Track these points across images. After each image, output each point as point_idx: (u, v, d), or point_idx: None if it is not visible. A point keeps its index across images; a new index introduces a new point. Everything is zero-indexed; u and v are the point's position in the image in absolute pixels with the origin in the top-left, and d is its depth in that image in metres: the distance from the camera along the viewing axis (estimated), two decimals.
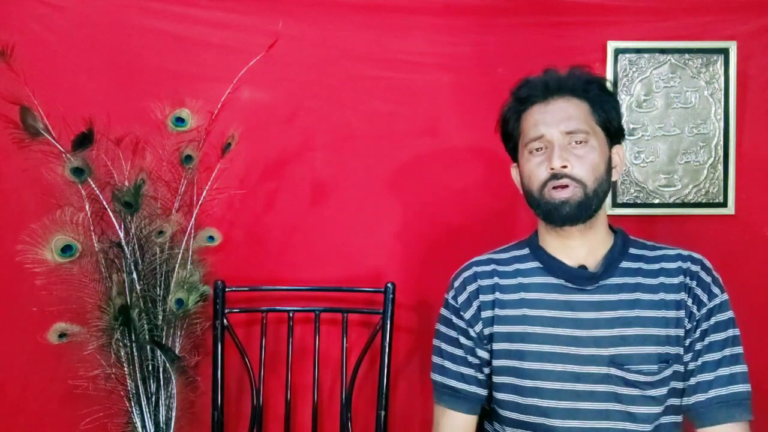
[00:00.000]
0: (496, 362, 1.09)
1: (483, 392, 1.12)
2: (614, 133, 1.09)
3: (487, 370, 1.12)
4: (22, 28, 1.51)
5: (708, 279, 1.06)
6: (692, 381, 1.03)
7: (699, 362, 1.03)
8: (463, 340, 1.12)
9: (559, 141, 1.04)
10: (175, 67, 1.55)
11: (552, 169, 1.03)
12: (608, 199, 1.55)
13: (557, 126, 1.05)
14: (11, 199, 1.53)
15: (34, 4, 1.53)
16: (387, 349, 1.47)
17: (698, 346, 1.03)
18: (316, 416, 1.50)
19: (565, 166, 1.03)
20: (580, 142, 1.04)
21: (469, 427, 1.13)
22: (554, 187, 1.04)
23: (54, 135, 1.31)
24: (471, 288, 1.13)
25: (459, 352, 1.13)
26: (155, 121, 1.43)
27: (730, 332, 1.04)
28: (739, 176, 1.56)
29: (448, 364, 1.14)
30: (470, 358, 1.12)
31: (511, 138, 1.14)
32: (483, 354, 1.11)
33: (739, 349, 1.05)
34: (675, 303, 1.04)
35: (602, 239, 1.09)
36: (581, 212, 1.04)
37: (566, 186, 1.03)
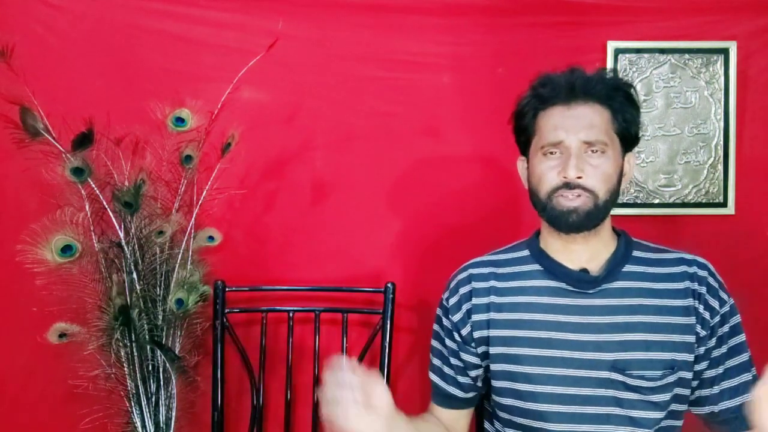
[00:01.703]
0: (494, 366, 1.08)
1: (461, 394, 1.13)
2: (630, 142, 1.07)
3: (472, 374, 1.12)
4: (22, 28, 1.51)
5: (716, 284, 1.04)
6: (716, 389, 1.02)
7: (721, 369, 1.02)
8: (448, 341, 1.13)
9: (576, 150, 1.01)
10: (175, 67, 1.55)
11: (566, 177, 1.01)
12: None
13: (577, 134, 1.01)
14: (11, 199, 1.53)
15: (34, 4, 1.53)
16: (387, 349, 1.47)
17: (716, 353, 1.02)
18: (316, 416, 1.50)
19: (580, 177, 1.00)
20: (596, 151, 1.02)
21: (453, 423, 1.16)
22: (564, 196, 1.01)
23: (54, 135, 1.31)
24: (463, 291, 1.13)
25: (444, 351, 1.15)
26: (155, 121, 1.43)
27: (743, 337, 1.04)
28: (739, 176, 1.56)
29: (435, 360, 1.17)
30: (453, 360, 1.12)
31: (524, 132, 1.10)
32: (468, 358, 1.11)
33: (749, 353, 1.05)
34: (682, 309, 1.02)
35: (606, 243, 1.07)
36: (588, 222, 1.02)
37: (578, 195, 1.01)
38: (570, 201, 1.01)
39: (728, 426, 1.04)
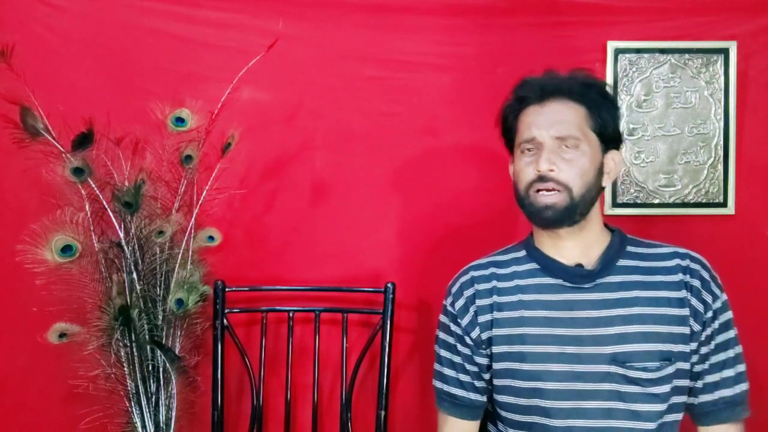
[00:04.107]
0: (496, 365, 1.09)
1: (482, 399, 1.13)
2: (609, 140, 1.08)
3: (486, 377, 1.11)
4: (22, 28, 1.51)
5: (709, 278, 1.06)
6: (699, 383, 1.04)
7: (706, 365, 1.04)
8: (460, 347, 1.12)
9: (549, 144, 1.04)
10: (175, 67, 1.55)
11: (539, 171, 1.03)
12: (608, 199, 1.56)
13: (548, 129, 1.04)
14: (11, 199, 1.53)
15: (34, 4, 1.53)
16: (387, 349, 1.47)
17: (705, 349, 1.04)
18: (316, 416, 1.50)
19: (552, 170, 1.03)
20: (570, 146, 1.04)
21: None
22: (539, 190, 1.04)
23: (54, 135, 1.31)
24: (468, 293, 1.13)
25: (457, 359, 1.13)
26: (155, 121, 1.43)
27: (732, 333, 1.05)
28: (739, 176, 1.56)
29: (446, 371, 1.14)
30: (468, 366, 1.12)
31: (508, 134, 1.14)
32: (481, 360, 1.11)
33: (739, 348, 1.06)
34: (677, 300, 1.03)
35: (596, 239, 1.09)
36: (565, 217, 1.04)
37: (551, 190, 1.03)
38: (545, 197, 1.03)
39: (705, 419, 1.06)
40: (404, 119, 1.58)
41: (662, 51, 1.55)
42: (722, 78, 1.55)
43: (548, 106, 1.06)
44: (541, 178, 1.03)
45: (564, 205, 1.03)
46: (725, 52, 1.54)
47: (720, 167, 1.56)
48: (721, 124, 1.55)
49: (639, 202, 1.57)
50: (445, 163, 1.59)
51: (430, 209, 1.59)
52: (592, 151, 1.05)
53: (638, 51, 1.55)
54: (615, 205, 1.57)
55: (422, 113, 1.58)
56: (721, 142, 1.55)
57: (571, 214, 1.04)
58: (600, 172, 1.07)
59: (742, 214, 1.56)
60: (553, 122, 1.04)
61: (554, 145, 1.04)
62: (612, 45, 1.55)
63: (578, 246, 1.08)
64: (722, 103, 1.55)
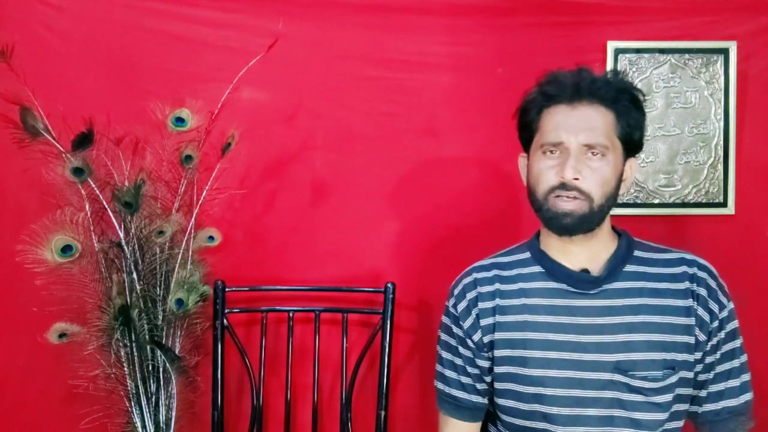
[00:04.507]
0: (497, 369, 1.08)
1: (483, 401, 1.12)
2: (632, 147, 1.06)
3: (488, 379, 1.11)
4: (22, 28, 1.51)
5: (716, 287, 1.04)
6: (703, 392, 1.03)
7: (711, 374, 1.03)
8: (462, 349, 1.11)
9: (576, 151, 1.00)
10: (175, 67, 1.55)
11: (562, 178, 1.00)
12: None
13: (577, 135, 1.00)
14: (11, 199, 1.53)
15: (34, 4, 1.53)
16: (387, 349, 1.47)
17: (710, 359, 1.02)
18: (316, 416, 1.50)
19: (576, 179, 1.00)
20: (596, 154, 1.01)
21: None
22: (559, 196, 1.01)
23: (54, 135, 1.31)
24: (470, 296, 1.11)
25: (458, 361, 1.12)
26: (155, 121, 1.43)
27: (738, 342, 1.04)
28: (739, 176, 1.56)
29: (448, 372, 1.13)
30: (469, 368, 1.11)
31: (527, 129, 1.08)
32: (483, 363, 1.10)
33: (744, 357, 1.05)
34: (684, 309, 1.02)
35: (605, 244, 1.07)
36: (582, 225, 1.01)
37: (573, 198, 1.00)
38: (565, 203, 1.01)
39: (708, 428, 1.05)
40: (404, 119, 1.58)
41: (662, 51, 1.55)
42: (722, 78, 1.55)
43: (579, 109, 1.02)
44: (564, 185, 1.00)
45: (582, 213, 1.00)
46: (725, 52, 1.54)
47: (720, 167, 1.56)
48: (721, 124, 1.55)
49: (639, 202, 1.57)
50: (445, 163, 1.59)
51: (430, 209, 1.59)
52: (616, 160, 1.03)
53: (638, 51, 1.55)
54: (615, 205, 1.56)
55: (422, 113, 1.58)
56: (721, 142, 1.55)
57: (589, 223, 1.01)
58: (620, 180, 1.05)
59: (742, 214, 1.56)
60: (583, 128, 1.00)
61: (581, 151, 1.01)
62: (612, 45, 1.55)
63: (586, 251, 1.06)
64: (722, 103, 1.55)
